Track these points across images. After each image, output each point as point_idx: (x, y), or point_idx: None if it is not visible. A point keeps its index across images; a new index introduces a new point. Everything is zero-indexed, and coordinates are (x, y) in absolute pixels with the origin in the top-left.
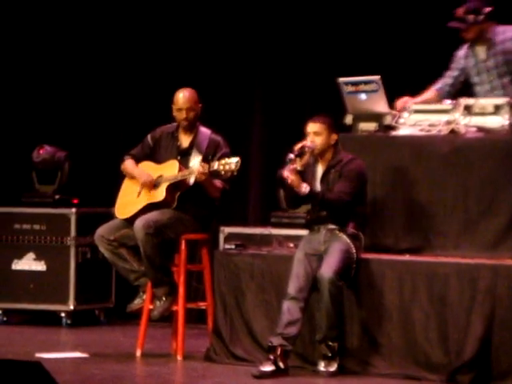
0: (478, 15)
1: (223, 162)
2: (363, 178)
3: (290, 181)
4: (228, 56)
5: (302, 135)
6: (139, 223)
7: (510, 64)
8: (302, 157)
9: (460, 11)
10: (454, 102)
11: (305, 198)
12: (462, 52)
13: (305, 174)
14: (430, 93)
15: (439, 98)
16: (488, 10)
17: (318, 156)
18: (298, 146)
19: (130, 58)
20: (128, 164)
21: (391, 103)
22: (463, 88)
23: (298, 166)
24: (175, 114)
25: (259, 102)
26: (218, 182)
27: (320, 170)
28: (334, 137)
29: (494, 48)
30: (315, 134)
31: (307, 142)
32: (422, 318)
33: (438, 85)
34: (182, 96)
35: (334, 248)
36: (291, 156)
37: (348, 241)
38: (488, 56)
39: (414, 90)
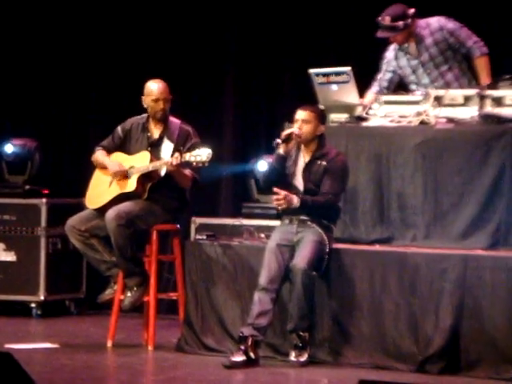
0: (406, 19)
1: (195, 153)
2: (348, 176)
3: (282, 205)
4: (197, 47)
5: (274, 126)
6: (111, 214)
7: (444, 53)
8: (287, 143)
9: (386, 20)
10: (424, 92)
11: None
12: (390, 54)
13: (287, 161)
14: (370, 96)
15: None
16: (412, 11)
17: (302, 144)
18: (285, 132)
19: (98, 48)
20: (99, 155)
21: (362, 94)
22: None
23: (282, 150)
24: (150, 104)
25: (230, 92)
26: (188, 172)
27: (303, 159)
28: (321, 128)
29: (423, 42)
30: (304, 121)
31: (294, 130)
32: (392, 308)
33: (375, 88)
34: (158, 87)
35: (307, 239)
36: (278, 141)
37: (321, 232)
38: (420, 51)
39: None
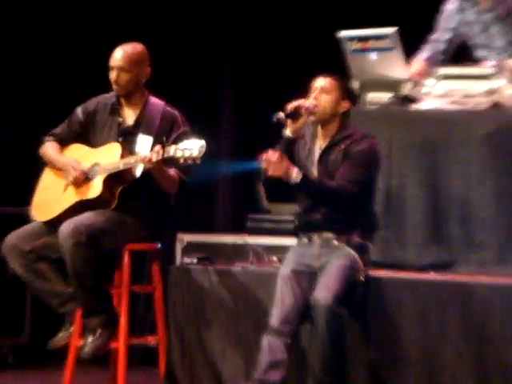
0: None
1: (182, 146)
2: (376, 164)
3: (272, 169)
4: (195, 38)
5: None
6: (66, 228)
7: None
8: (295, 119)
9: None
10: (497, 63)
11: (295, 188)
12: (452, 5)
13: (296, 147)
14: (418, 66)
15: (429, 72)
16: None
17: (319, 126)
18: (292, 104)
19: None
20: (49, 148)
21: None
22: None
23: (288, 130)
24: (110, 75)
25: (230, 72)
26: (173, 172)
27: (319, 146)
28: (345, 105)
29: None
30: (323, 90)
31: (305, 101)
32: (453, 359)
33: (426, 53)
34: (117, 52)
35: (332, 264)
36: (280, 115)
37: (352, 254)
38: (495, 2)
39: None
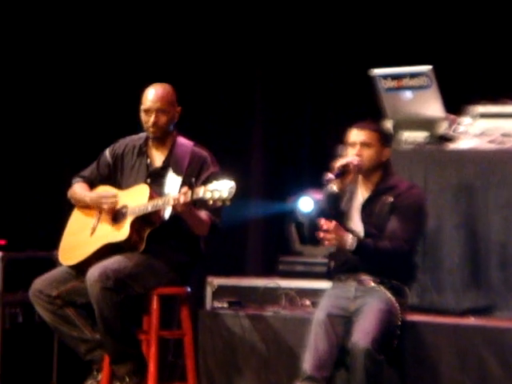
0: None
1: (212, 187)
2: (424, 218)
3: (328, 239)
4: (220, 51)
5: (320, 149)
6: (93, 273)
7: None
8: (344, 177)
9: None
10: None
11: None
12: None
13: (340, 201)
14: None
15: None
16: None
17: (362, 175)
18: (340, 163)
19: (77, 42)
20: (78, 188)
21: (449, 106)
22: None
23: (336, 187)
24: (142, 117)
25: (261, 113)
26: (203, 215)
27: (361, 195)
28: (387, 152)
29: None
30: (363, 145)
31: (352, 158)
32: None
33: None
34: (153, 92)
35: (370, 306)
36: (331, 176)
37: (389, 296)
38: None
39: (486, 88)
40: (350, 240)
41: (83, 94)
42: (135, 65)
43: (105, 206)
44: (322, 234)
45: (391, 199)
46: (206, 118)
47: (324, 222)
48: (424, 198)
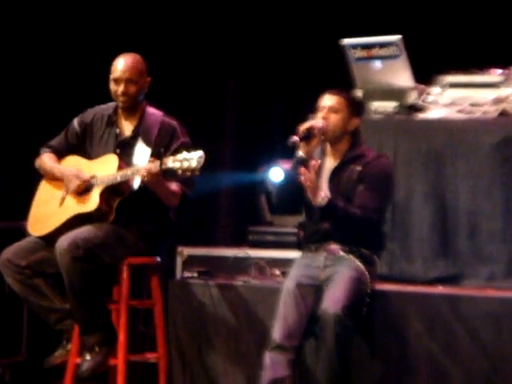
0: None
1: (181, 157)
2: (392, 188)
3: (307, 186)
4: (193, 20)
5: (292, 119)
6: (63, 243)
7: None
8: (308, 140)
9: None
10: (506, 71)
11: (314, 210)
12: None
13: (307, 167)
14: None
15: None
16: None
17: (328, 144)
18: (304, 126)
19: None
20: (46, 159)
21: (417, 75)
22: None
23: (302, 152)
24: (111, 87)
25: (233, 83)
26: (174, 185)
27: (329, 164)
28: (356, 121)
29: None
30: (331, 110)
31: (316, 121)
32: (462, 375)
33: None
34: (123, 62)
35: (340, 274)
36: (295, 139)
37: (360, 265)
38: None
39: (453, 56)
40: (322, 194)
41: (52, 62)
42: (105, 34)
43: (73, 187)
44: (301, 172)
45: (359, 168)
46: (176, 88)
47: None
48: (392, 167)
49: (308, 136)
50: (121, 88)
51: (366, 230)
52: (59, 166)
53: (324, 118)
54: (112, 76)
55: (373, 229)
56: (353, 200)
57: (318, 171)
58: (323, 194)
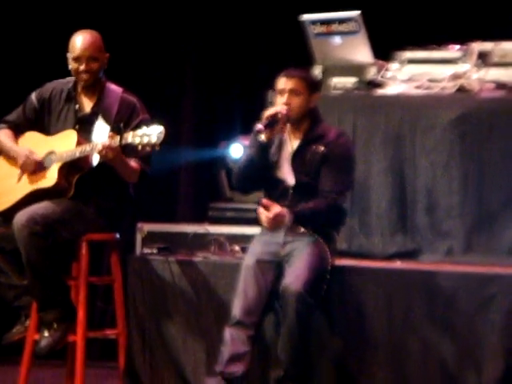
0: None
1: (140, 132)
2: (354, 164)
3: (270, 226)
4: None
5: (252, 94)
6: (20, 219)
7: None
8: (273, 126)
9: None
10: (464, 47)
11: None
12: None
13: (269, 150)
14: None
15: None
16: None
17: (291, 125)
18: (268, 113)
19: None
20: (2, 136)
21: (377, 51)
22: None
23: (264, 137)
24: (71, 65)
25: (192, 58)
26: (133, 162)
27: (291, 143)
28: (315, 99)
29: None
30: (293, 92)
31: (281, 108)
32: (419, 349)
33: None
34: (82, 40)
35: (301, 251)
36: (260, 127)
37: (320, 241)
38: None
39: (411, 32)
40: (286, 219)
41: (8, 36)
42: (63, 8)
43: (23, 167)
44: (262, 217)
45: (322, 148)
46: (135, 64)
47: (266, 203)
48: (352, 145)
49: (272, 123)
50: (82, 66)
51: (332, 214)
52: (13, 146)
53: (286, 103)
54: (72, 55)
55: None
56: (317, 181)
57: (269, 147)
58: (287, 218)
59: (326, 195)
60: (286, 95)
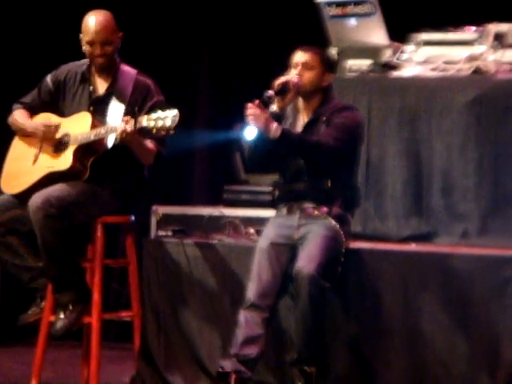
0: None
1: (155, 116)
2: (357, 132)
3: (253, 119)
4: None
5: (266, 77)
6: (36, 201)
7: None
8: (283, 95)
9: None
10: (480, 28)
11: (276, 146)
12: None
13: (283, 122)
14: None
15: None
16: None
17: (302, 99)
18: (279, 80)
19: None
20: (18, 116)
21: (392, 33)
22: None
23: (276, 107)
24: (85, 48)
25: (207, 40)
26: (149, 144)
27: (302, 119)
28: (328, 77)
29: None
30: (305, 66)
31: (292, 76)
32: (434, 332)
33: None
34: (95, 22)
35: (315, 234)
36: (270, 93)
37: (334, 224)
38: None
39: (427, 14)
40: (274, 127)
41: (21, 19)
42: None
43: (43, 135)
44: (247, 116)
45: (324, 118)
46: (150, 45)
47: (250, 104)
48: (358, 116)
49: (283, 90)
50: (97, 50)
51: (327, 157)
52: (30, 122)
53: (298, 75)
54: (86, 38)
55: (344, 181)
56: None
57: (281, 118)
58: (275, 124)
59: (320, 136)
60: (299, 67)
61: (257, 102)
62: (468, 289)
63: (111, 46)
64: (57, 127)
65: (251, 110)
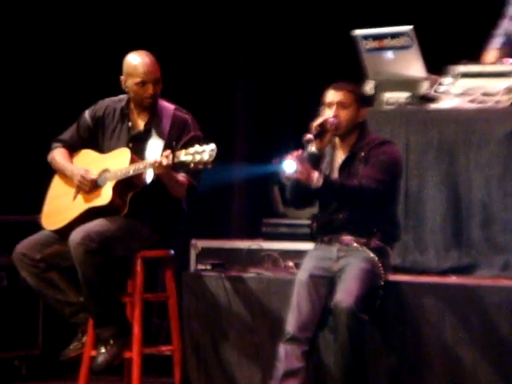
0: None
1: (192, 150)
2: (397, 170)
3: (300, 176)
4: (202, 13)
5: (304, 111)
6: (76, 236)
7: None
8: (322, 137)
9: None
10: None
11: (318, 193)
12: None
13: (321, 163)
14: (491, 56)
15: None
16: None
17: (338, 138)
18: (317, 122)
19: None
20: (58, 155)
21: (429, 65)
22: None
23: (315, 148)
24: (133, 88)
25: (245, 75)
26: (181, 177)
27: (339, 156)
28: (363, 112)
29: None
30: (340, 105)
31: (328, 116)
32: (476, 365)
33: (498, 41)
34: (144, 63)
35: (353, 266)
36: (309, 137)
37: (372, 257)
38: None
39: (465, 47)
40: (316, 176)
41: (60, 55)
42: (114, 28)
43: (78, 184)
44: (288, 165)
45: (363, 154)
46: (187, 81)
47: (291, 154)
48: (397, 152)
49: (321, 132)
50: (149, 90)
51: (369, 199)
52: (69, 166)
53: (335, 116)
54: (136, 79)
55: (384, 215)
56: None
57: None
58: (316, 174)
59: (360, 179)
60: (334, 107)
61: (295, 153)
62: (509, 321)
63: (160, 84)
64: (92, 182)
65: (292, 162)
